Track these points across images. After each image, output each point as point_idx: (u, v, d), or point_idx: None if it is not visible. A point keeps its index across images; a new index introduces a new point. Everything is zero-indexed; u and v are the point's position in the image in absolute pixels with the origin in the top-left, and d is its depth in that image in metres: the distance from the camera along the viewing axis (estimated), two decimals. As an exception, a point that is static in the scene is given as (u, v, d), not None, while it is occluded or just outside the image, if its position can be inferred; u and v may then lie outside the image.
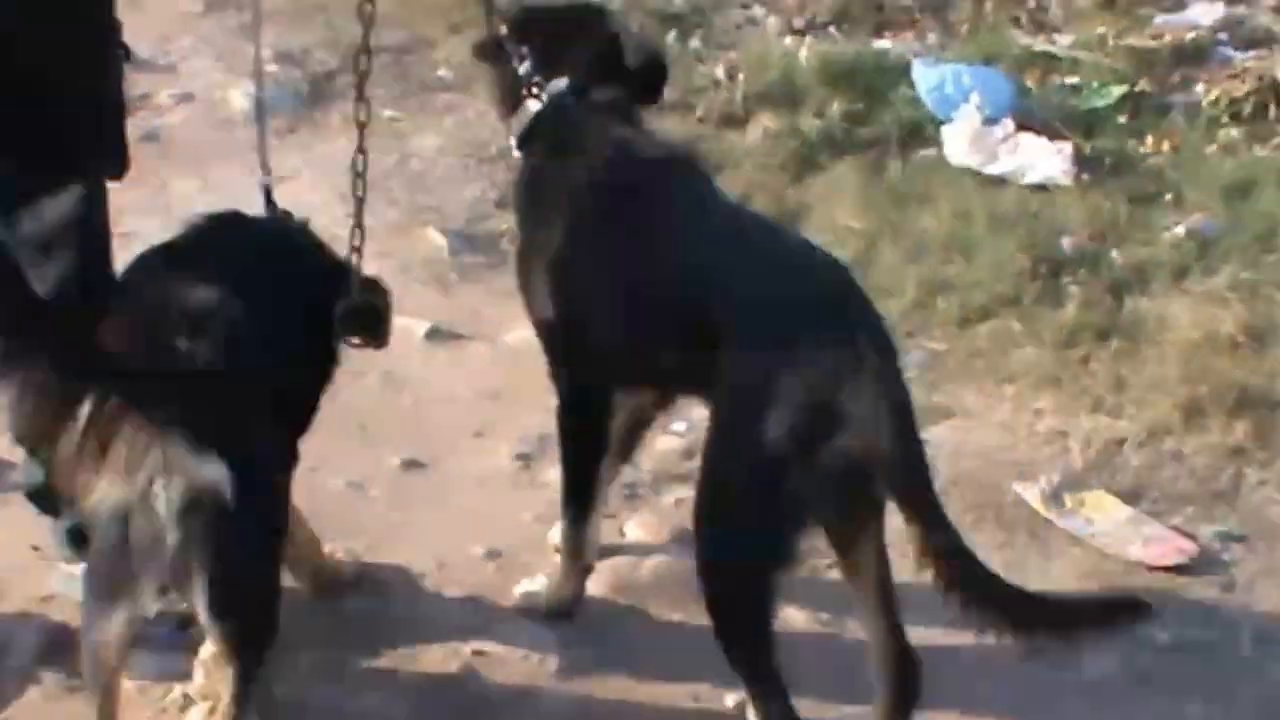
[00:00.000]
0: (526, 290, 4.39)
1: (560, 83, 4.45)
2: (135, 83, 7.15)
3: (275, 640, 3.69)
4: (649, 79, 4.57)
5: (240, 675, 3.67)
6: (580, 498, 4.34)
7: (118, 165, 4.29)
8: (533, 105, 4.43)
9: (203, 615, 3.61)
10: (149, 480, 3.39)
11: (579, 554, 4.41)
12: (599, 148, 4.29)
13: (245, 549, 3.54)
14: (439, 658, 4.40)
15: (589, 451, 4.35)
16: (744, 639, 3.74)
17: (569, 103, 4.44)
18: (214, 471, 3.41)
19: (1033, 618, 3.86)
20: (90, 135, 4.23)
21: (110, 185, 4.31)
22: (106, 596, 3.56)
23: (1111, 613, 3.93)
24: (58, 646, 4.24)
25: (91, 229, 4.27)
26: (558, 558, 4.69)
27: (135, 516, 3.41)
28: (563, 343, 4.23)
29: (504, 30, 4.60)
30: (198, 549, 3.46)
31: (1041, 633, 3.92)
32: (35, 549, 4.71)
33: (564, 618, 4.42)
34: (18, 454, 4.52)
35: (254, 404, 3.72)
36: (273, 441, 3.71)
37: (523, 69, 4.44)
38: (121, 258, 4.18)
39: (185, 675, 4.12)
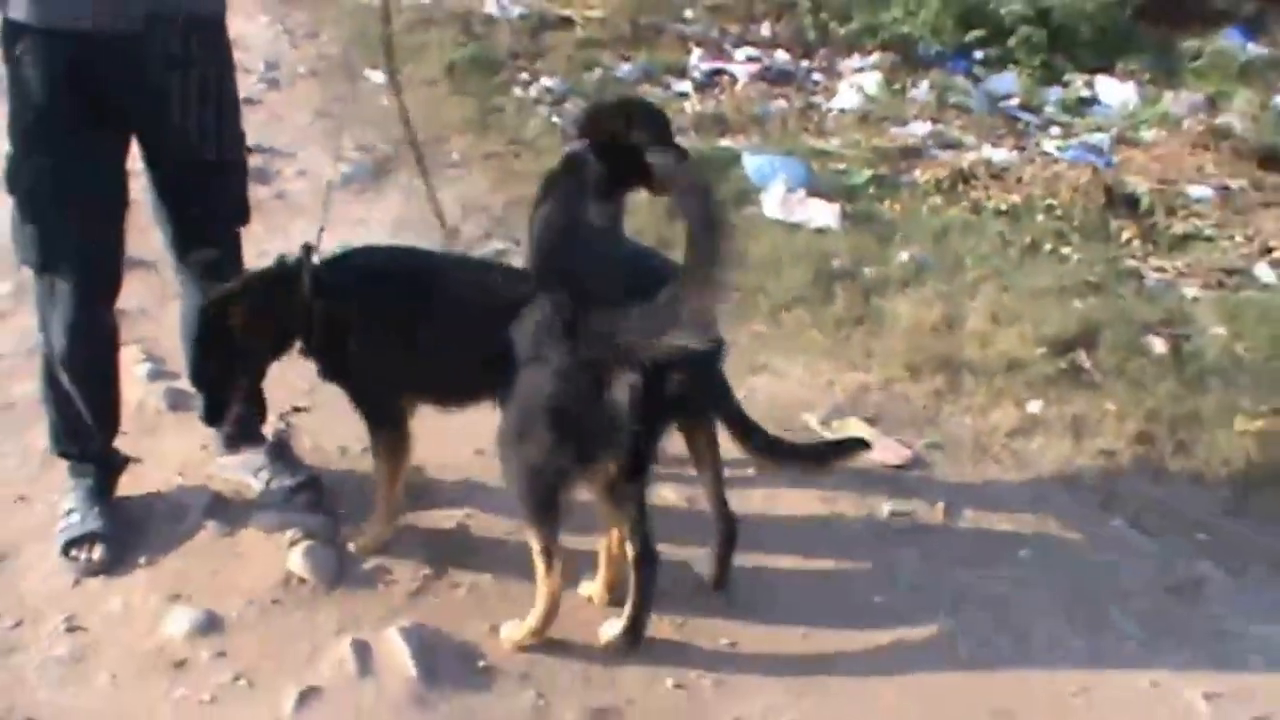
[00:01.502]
0: None
1: None
2: (271, 162, 8.30)
3: None
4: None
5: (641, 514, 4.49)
6: None
7: (247, 217, 5.10)
8: None
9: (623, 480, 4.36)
10: None
11: None
12: None
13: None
14: (441, 518, 5.20)
15: None
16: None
17: None
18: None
19: (800, 455, 5.03)
20: (241, 200, 5.06)
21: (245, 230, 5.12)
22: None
23: (844, 448, 5.04)
24: (217, 507, 5.15)
25: (238, 256, 5.07)
26: None
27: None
28: None
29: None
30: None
31: (806, 464, 5.09)
32: (204, 447, 5.50)
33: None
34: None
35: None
36: None
37: None
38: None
39: (292, 525, 5.02)
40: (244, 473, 5.26)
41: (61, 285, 4.74)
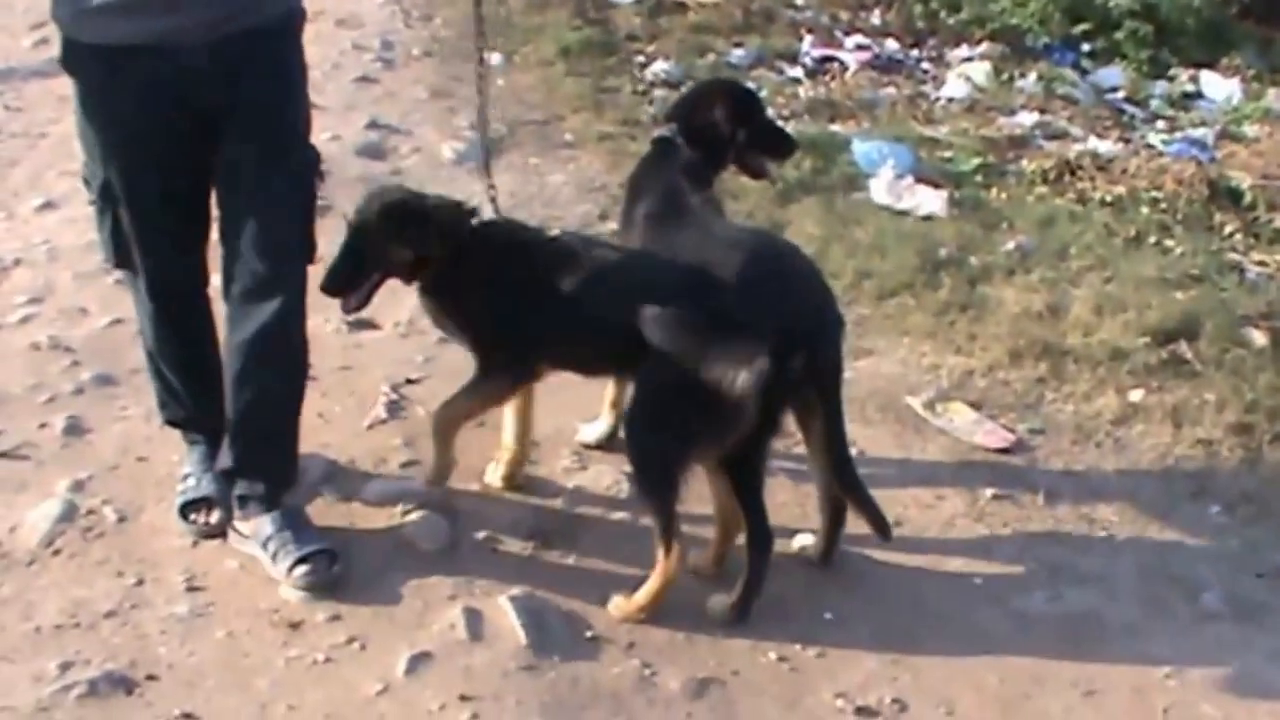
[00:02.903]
0: None
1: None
2: (387, 139, 8.42)
3: None
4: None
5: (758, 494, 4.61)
6: None
7: (313, 254, 4.81)
8: None
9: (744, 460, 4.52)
10: None
11: None
12: None
13: None
14: (552, 491, 5.32)
15: None
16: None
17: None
18: None
19: (854, 493, 4.80)
20: (307, 232, 4.79)
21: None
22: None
23: (879, 524, 4.83)
24: (333, 474, 5.28)
25: (303, 297, 4.78)
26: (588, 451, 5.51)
27: None
28: None
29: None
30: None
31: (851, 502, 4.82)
32: (319, 415, 5.61)
33: None
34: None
35: None
36: None
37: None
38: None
39: (406, 494, 5.13)
40: (254, 546, 4.82)
41: (140, 281, 4.82)
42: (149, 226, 4.66)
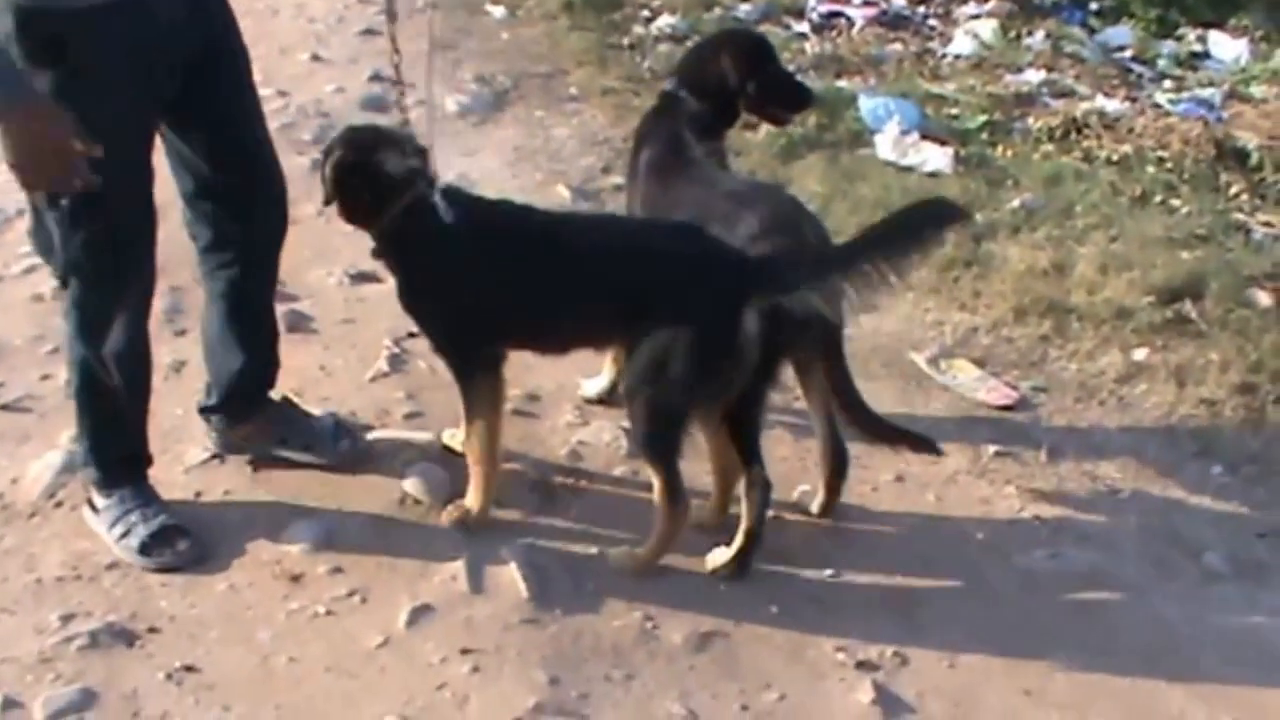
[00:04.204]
0: None
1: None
2: (390, 91, 7.98)
3: None
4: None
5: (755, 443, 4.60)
6: None
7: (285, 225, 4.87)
8: None
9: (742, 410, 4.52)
10: None
11: None
12: None
13: None
14: (555, 443, 5.36)
15: None
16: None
17: None
18: None
19: (879, 429, 5.01)
20: (281, 202, 4.83)
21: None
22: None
23: (918, 442, 5.07)
24: (342, 430, 5.16)
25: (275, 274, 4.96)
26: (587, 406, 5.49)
27: None
28: None
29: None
30: None
31: (879, 438, 5.04)
32: (321, 368, 5.73)
33: None
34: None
35: None
36: None
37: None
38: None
39: (409, 446, 5.18)
40: (102, 527, 4.68)
41: (116, 285, 4.47)
42: (137, 212, 4.39)
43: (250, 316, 4.92)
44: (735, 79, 5.21)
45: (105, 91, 4.05)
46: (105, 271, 4.35)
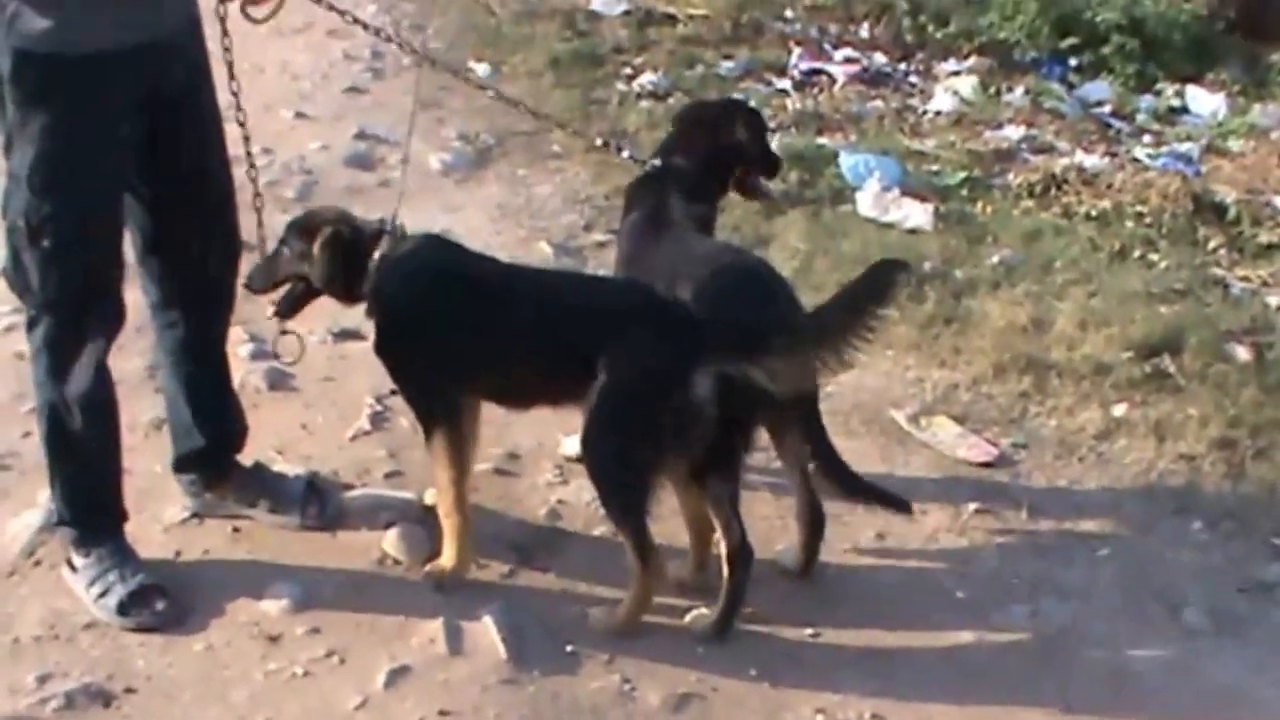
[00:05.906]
0: None
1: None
2: (374, 149, 8.42)
3: None
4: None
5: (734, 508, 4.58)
6: None
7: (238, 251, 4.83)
8: None
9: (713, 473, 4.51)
10: None
11: None
12: None
13: None
14: (533, 504, 5.33)
15: None
16: None
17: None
18: None
19: (854, 487, 5.02)
20: (234, 230, 4.79)
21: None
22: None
23: (891, 501, 5.08)
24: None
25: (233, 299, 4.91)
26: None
27: None
28: None
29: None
30: None
31: (855, 496, 5.06)
32: (303, 426, 5.68)
33: None
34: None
35: None
36: None
37: None
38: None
39: (387, 506, 5.13)
40: (80, 586, 4.64)
41: (89, 325, 4.44)
42: (110, 254, 4.43)
43: (201, 378, 4.91)
44: (754, 146, 5.39)
45: (93, 134, 4.15)
46: (78, 310, 4.37)
